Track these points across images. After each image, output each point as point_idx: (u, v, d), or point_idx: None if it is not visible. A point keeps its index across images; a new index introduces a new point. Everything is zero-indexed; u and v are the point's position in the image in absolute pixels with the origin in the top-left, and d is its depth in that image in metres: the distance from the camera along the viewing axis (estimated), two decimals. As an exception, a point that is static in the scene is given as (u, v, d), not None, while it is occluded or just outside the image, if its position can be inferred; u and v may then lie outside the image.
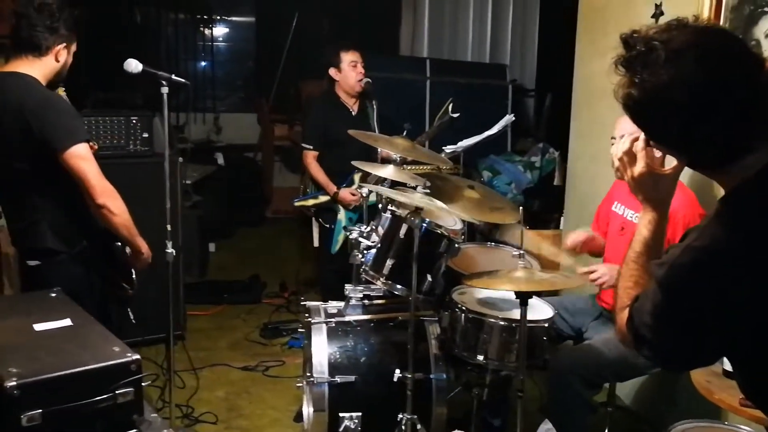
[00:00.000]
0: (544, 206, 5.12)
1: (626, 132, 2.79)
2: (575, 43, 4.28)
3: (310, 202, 4.34)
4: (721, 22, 2.92)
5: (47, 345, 1.90)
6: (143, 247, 2.73)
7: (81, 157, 2.45)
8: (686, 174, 2.65)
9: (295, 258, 6.02)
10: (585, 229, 3.12)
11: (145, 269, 2.79)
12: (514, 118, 4.04)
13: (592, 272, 2.72)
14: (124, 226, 2.59)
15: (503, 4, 7.83)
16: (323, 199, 4.29)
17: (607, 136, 3.79)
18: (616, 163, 1.56)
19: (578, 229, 3.11)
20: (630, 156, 1.51)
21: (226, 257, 6.20)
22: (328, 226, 4.31)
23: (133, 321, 2.83)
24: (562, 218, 4.66)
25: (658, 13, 3.38)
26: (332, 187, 4.20)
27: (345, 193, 4.16)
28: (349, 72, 4.20)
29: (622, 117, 2.93)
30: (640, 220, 1.54)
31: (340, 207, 4.24)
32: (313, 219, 4.67)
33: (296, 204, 4.41)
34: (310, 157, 4.28)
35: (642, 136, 1.47)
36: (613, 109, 3.80)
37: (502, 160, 5.69)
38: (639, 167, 1.50)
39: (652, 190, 1.51)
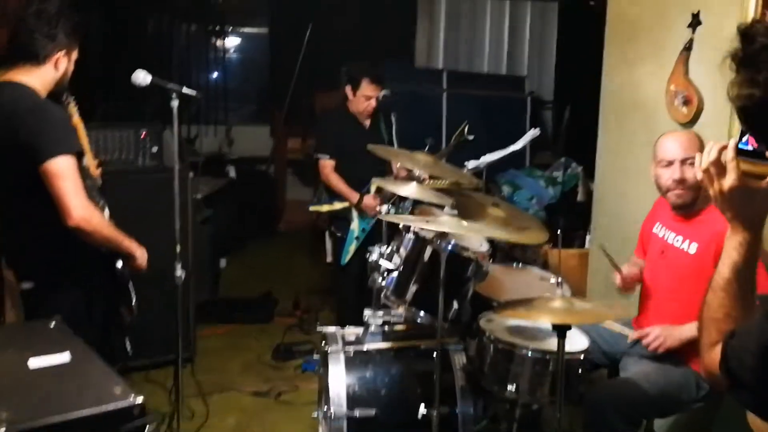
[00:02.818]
0: (567, 223, 4.92)
1: (676, 157, 2.63)
2: (597, 53, 4.10)
3: (325, 208, 4.24)
4: None
5: (43, 384, 1.74)
6: (135, 250, 2.56)
7: (55, 173, 2.27)
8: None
9: (309, 273, 5.86)
10: (629, 262, 2.91)
11: (145, 271, 2.62)
12: (539, 132, 3.86)
13: (644, 336, 2.56)
14: (105, 239, 2.43)
15: (520, 15, 7.70)
16: (338, 206, 4.19)
17: (637, 150, 3.63)
18: (699, 175, 1.35)
19: (626, 265, 2.90)
20: (718, 167, 1.30)
21: (238, 272, 6.03)
22: (339, 235, 4.22)
23: (129, 353, 2.66)
24: (587, 236, 4.48)
25: (695, 22, 3.20)
26: (354, 196, 4.08)
27: (369, 200, 4.05)
28: (361, 102, 4.13)
29: (673, 138, 2.70)
30: (728, 241, 1.34)
31: (354, 216, 4.14)
32: (327, 233, 4.55)
33: (311, 209, 4.31)
34: (329, 167, 4.17)
35: (731, 143, 1.27)
36: (645, 123, 3.64)
37: (523, 175, 5.53)
38: (730, 180, 1.29)
39: (745, 206, 1.30)
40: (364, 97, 4.10)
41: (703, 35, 3.17)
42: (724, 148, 1.30)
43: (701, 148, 2.62)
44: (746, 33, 1.17)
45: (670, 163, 2.62)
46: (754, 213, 1.30)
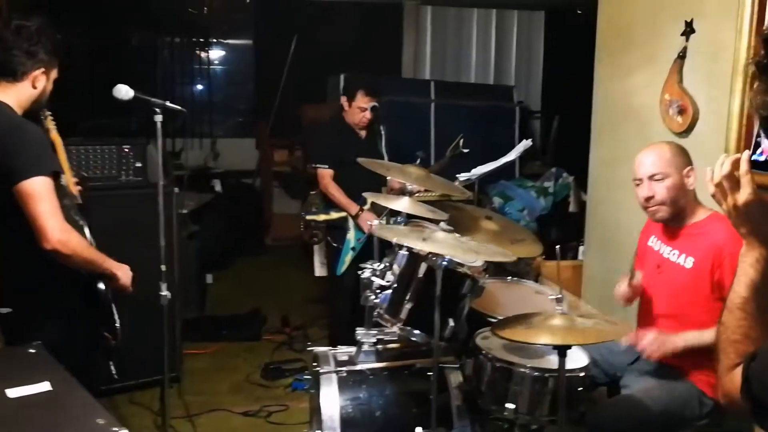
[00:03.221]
0: (559, 234, 4.88)
1: (645, 174, 2.58)
2: (584, 62, 4.07)
3: (322, 217, 4.20)
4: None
5: (22, 416, 1.64)
6: (117, 269, 2.45)
7: (31, 194, 2.17)
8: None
9: (297, 288, 5.77)
10: (627, 274, 2.83)
11: (129, 294, 2.52)
12: (531, 143, 3.80)
13: (638, 340, 2.48)
14: (84, 262, 2.32)
15: (507, 24, 7.67)
16: (335, 215, 4.16)
17: (631, 161, 3.56)
18: (711, 189, 1.28)
19: (625, 278, 2.81)
20: (731, 181, 1.23)
21: (225, 289, 5.94)
22: (336, 245, 4.17)
23: (115, 376, 2.56)
24: (580, 247, 4.42)
25: (688, 30, 3.16)
26: (354, 207, 4.07)
27: (367, 214, 4.04)
28: (356, 114, 4.11)
29: (643, 154, 2.64)
30: (743, 258, 1.27)
31: (351, 226, 4.12)
32: (315, 247, 4.48)
33: (307, 218, 4.24)
34: (327, 177, 4.14)
35: (745, 156, 1.20)
36: (639, 132, 3.60)
37: (514, 186, 5.46)
38: (744, 194, 1.22)
39: (761, 221, 1.23)
40: (359, 109, 4.08)
41: (697, 43, 3.13)
42: (737, 160, 1.23)
43: (673, 161, 2.57)
44: None
45: (641, 181, 2.59)
46: None
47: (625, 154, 3.66)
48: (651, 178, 2.56)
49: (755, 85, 1.13)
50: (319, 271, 4.68)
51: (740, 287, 1.26)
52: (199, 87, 7.99)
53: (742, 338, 1.22)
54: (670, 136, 3.22)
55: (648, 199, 2.57)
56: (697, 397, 2.48)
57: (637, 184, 2.62)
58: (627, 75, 3.67)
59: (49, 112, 2.52)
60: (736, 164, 1.24)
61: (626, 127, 3.68)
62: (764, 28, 1.15)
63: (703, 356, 2.44)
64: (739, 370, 1.19)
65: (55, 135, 2.50)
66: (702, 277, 2.48)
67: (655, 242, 2.74)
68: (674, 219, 2.60)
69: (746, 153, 1.25)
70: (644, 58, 3.53)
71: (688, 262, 2.53)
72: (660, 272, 2.67)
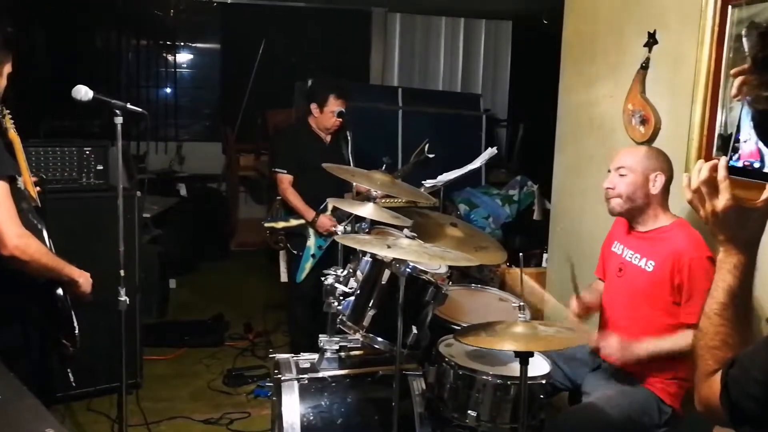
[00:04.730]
0: (524, 242, 4.90)
1: (613, 166, 2.64)
2: (550, 71, 4.09)
3: (281, 224, 4.18)
4: (724, 53, 2.73)
5: (-33, 425, 1.59)
6: (78, 276, 2.39)
7: None
8: (689, 213, 2.40)
9: (261, 294, 5.72)
10: (589, 288, 2.86)
11: (89, 301, 2.45)
12: (496, 151, 3.81)
13: (603, 343, 2.49)
14: (43, 268, 2.25)
15: (475, 34, 7.74)
16: (294, 222, 4.14)
17: (595, 169, 3.61)
18: (688, 195, 1.28)
19: (582, 292, 2.86)
20: (710, 187, 1.23)
21: (188, 294, 5.86)
22: (295, 252, 4.15)
23: (74, 384, 2.50)
24: (544, 255, 4.44)
25: (651, 42, 3.19)
26: (310, 213, 4.06)
27: (324, 219, 4.01)
28: (329, 118, 4.08)
29: (622, 150, 2.72)
30: (721, 264, 1.25)
31: (311, 233, 4.10)
32: (281, 253, 4.46)
33: (266, 225, 4.22)
34: (286, 182, 4.13)
35: (723, 162, 1.20)
36: (603, 142, 3.61)
37: (479, 193, 5.48)
38: (723, 200, 1.21)
39: (740, 227, 1.22)
40: (332, 113, 4.05)
41: (660, 54, 3.16)
42: (715, 166, 1.23)
43: (642, 162, 2.62)
44: (767, 33, 1.10)
45: (610, 172, 2.68)
46: (749, 234, 1.23)
47: (588, 163, 3.69)
48: (617, 170, 2.65)
49: (746, 78, 1.12)
50: (285, 276, 4.64)
51: (718, 293, 1.25)
52: (165, 90, 7.89)
53: (720, 345, 1.21)
54: (633, 145, 3.25)
55: (608, 189, 2.66)
56: (656, 405, 2.50)
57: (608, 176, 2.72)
58: (591, 85, 3.70)
59: (8, 111, 2.45)
60: (714, 170, 1.23)
61: (590, 137, 3.71)
62: (761, 22, 1.14)
63: (661, 364, 2.48)
64: (717, 377, 1.18)
65: (13, 134, 2.43)
66: (662, 281, 2.50)
67: (617, 247, 2.77)
68: (632, 218, 2.66)
69: (724, 159, 1.24)
70: (608, 69, 3.56)
71: (649, 266, 2.56)
72: (621, 275, 2.69)
